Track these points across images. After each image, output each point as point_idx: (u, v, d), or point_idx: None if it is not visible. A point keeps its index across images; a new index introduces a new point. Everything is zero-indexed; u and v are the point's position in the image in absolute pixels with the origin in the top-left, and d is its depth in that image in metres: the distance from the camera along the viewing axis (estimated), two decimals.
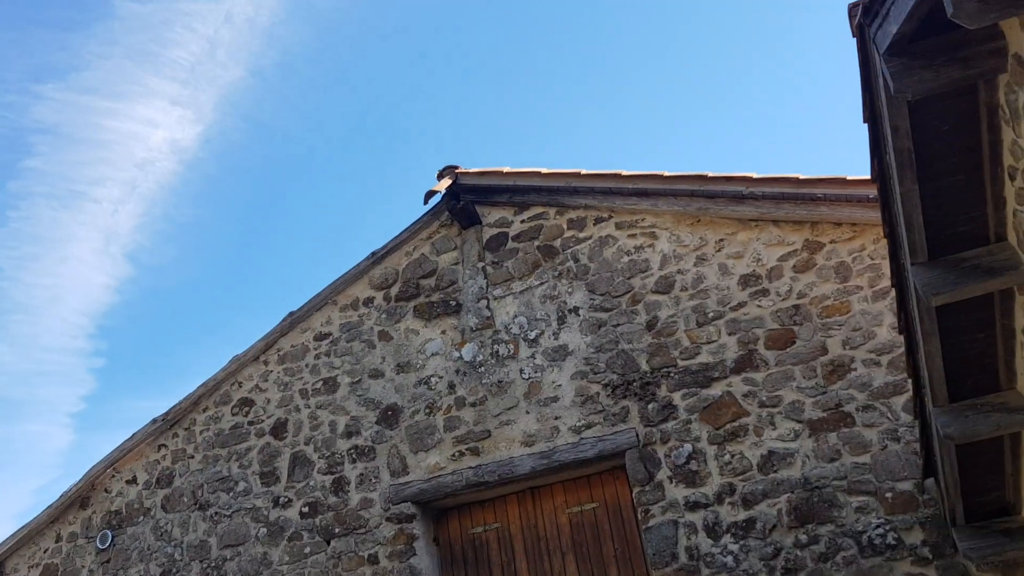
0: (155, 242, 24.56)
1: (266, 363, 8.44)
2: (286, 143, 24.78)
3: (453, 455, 7.29)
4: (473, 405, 7.39)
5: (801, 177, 6.72)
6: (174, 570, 7.92)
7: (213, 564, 7.78)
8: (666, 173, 7.28)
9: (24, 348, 23.47)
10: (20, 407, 24.54)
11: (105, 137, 22.31)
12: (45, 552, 8.63)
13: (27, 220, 22.24)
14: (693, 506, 6.41)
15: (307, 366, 8.24)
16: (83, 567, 8.38)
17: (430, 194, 7.77)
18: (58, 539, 8.63)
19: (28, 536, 8.70)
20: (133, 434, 8.59)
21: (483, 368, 7.49)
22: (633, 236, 7.37)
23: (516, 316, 7.56)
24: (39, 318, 23.49)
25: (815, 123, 21.70)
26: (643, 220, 7.38)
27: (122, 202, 23.05)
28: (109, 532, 8.38)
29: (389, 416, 7.67)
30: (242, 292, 26.28)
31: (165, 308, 26.02)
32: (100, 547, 8.34)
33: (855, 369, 6.27)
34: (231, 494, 8.00)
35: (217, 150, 24.52)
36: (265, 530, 7.71)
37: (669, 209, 7.25)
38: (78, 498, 8.67)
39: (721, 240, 7.04)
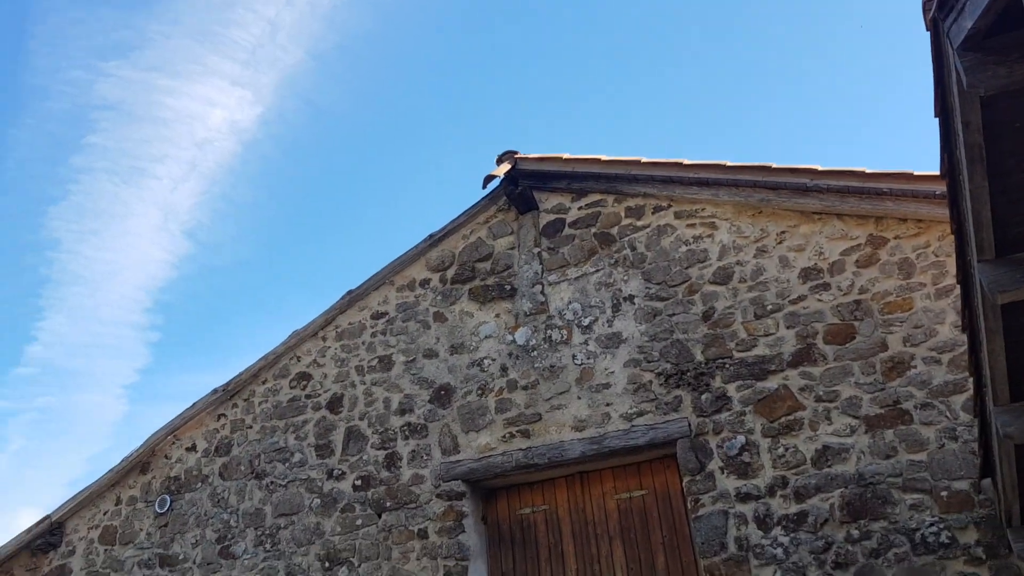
0: (213, 220, 25.07)
1: (324, 339, 8.60)
2: (345, 126, 25.04)
3: (504, 436, 7.36)
4: (525, 388, 7.45)
5: (867, 171, 6.62)
6: (229, 536, 8.14)
7: (267, 532, 7.97)
8: (728, 163, 7.23)
9: (82, 320, 24.15)
10: (77, 377, 25.29)
11: (166, 115, 22.81)
12: (105, 514, 8.91)
13: (88, 195, 22.86)
14: (744, 497, 6.39)
15: (363, 343, 8.38)
16: (141, 530, 8.64)
17: (489, 178, 7.83)
18: (118, 502, 8.91)
19: (89, 499, 8.99)
20: (194, 403, 8.85)
21: (536, 352, 7.54)
22: (692, 226, 7.34)
23: (570, 302, 7.59)
24: (97, 291, 24.14)
25: (878, 117, 21.30)
26: (703, 210, 7.35)
27: (182, 180, 23.55)
28: (168, 497, 8.62)
29: (442, 395, 7.77)
30: (296, 272, 26.71)
31: (221, 285, 26.57)
32: (158, 511, 8.59)
33: (915, 366, 6.19)
34: (287, 464, 8.19)
35: (276, 132, 24.91)
36: (319, 501, 7.88)
37: (730, 199, 7.20)
38: (139, 463, 8.95)
39: (783, 232, 6.98)
